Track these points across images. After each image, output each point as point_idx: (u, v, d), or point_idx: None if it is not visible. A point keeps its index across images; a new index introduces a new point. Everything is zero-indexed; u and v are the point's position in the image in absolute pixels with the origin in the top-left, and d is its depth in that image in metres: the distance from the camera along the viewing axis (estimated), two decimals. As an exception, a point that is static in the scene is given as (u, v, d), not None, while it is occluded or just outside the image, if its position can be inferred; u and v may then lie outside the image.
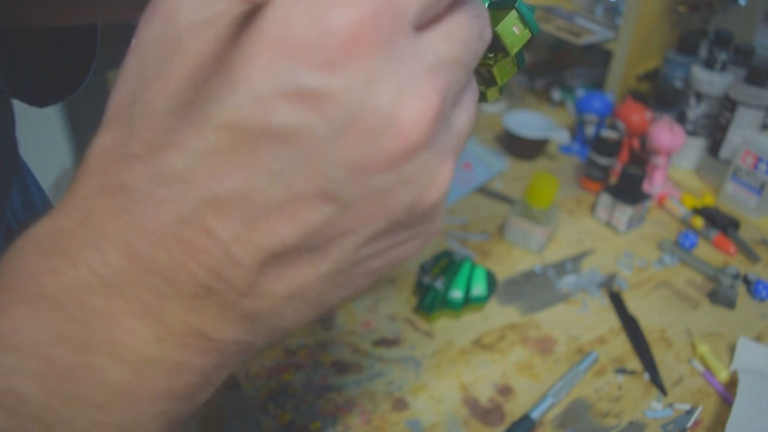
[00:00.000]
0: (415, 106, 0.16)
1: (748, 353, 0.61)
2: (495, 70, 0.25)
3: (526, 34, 0.24)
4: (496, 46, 0.24)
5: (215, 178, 0.16)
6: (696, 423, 0.55)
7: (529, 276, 0.72)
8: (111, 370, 0.17)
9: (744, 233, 0.80)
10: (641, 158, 0.90)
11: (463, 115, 0.19)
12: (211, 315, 0.18)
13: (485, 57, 0.25)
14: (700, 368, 0.61)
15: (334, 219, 0.17)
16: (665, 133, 0.83)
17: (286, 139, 0.16)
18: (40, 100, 0.41)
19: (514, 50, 0.24)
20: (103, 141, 0.17)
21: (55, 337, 0.17)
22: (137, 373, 0.17)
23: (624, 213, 0.78)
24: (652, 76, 1.00)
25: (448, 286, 0.63)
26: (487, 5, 0.24)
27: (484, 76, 0.26)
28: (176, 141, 0.16)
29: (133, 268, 0.17)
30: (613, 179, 0.88)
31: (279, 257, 0.17)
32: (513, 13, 0.23)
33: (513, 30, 0.24)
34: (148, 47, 0.17)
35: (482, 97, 0.27)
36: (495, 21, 0.23)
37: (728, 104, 0.83)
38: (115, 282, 0.17)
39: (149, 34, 0.17)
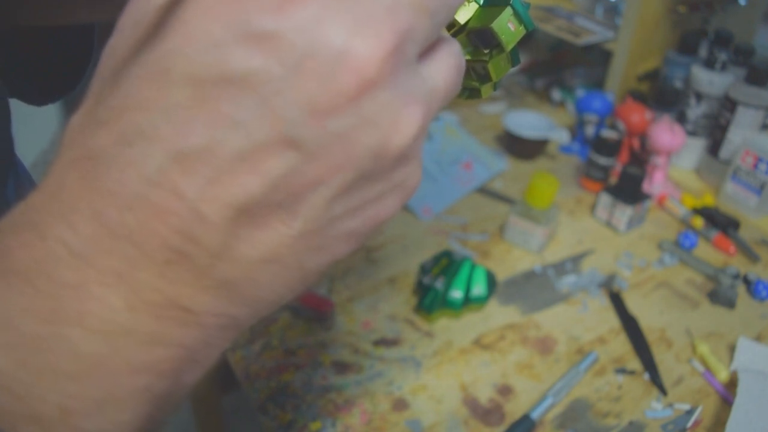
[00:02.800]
0: (367, 41, 0.16)
1: (748, 353, 0.61)
2: (490, 66, 0.25)
3: (521, 31, 0.24)
4: (491, 42, 0.24)
5: (179, 133, 0.16)
6: (696, 423, 0.55)
7: (529, 276, 0.72)
8: (82, 340, 0.17)
9: (744, 233, 0.80)
10: (641, 158, 0.90)
11: (438, 70, 0.19)
12: (185, 283, 0.17)
13: (480, 53, 0.25)
14: (700, 368, 0.61)
15: (298, 167, 0.17)
16: (665, 133, 0.83)
17: (244, 85, 0.16)
18: (38, 98, 0.41)
19: (509, 46, 0.24)
20: (76, 116, 0.18)
21: (24, 309, 0.17)
22: (110, 343, 0.17)
23: (624, 213, 0.78)
24: (652, 76, 1.00)
25: (448, 286, 0.63)
26: (482, 2, 0.24)
27: (479, 72, 0.26)
28: (139, 100, 0.16)
29: (102, 236, 0.17)
30: (613, 179, 0.88)
31: (248, 214, 0.17)
32: (508, 10, 0.23)
33: (508, 26, 0.24)
34: (120, 30, 0.17)
35: (477, 93, 0.27)
36: (490, 17, 0.24)
37: (728, 104, 0.83)
38: (85, 251, 0.17)
39: (124, 20, 0.17)
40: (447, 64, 0.19)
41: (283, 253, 0.18)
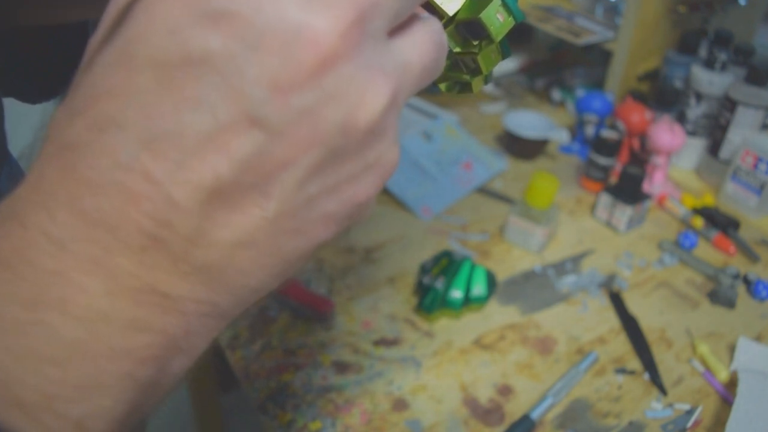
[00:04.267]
0: (326, 15, 0.16)
1: (748, 353, 0.61)
2: (480, 58, 0.25)
3: (510, 21, 0.24)
4: (481, 33, 0.24)
5: (146, 117, 0.16)
6: (696, 423, 0.55)
7: (529, 276, 0.72)
8: (62, 326, 0.17)
9: (744, 233, 0.80)
10: (641, 158, 0.90)
11: (412, 45, 0.19)
12: (163, 269, 0.17)
13: (470, 45, 0.25)
14: (700, 368, 0.61)
15: (266, 147, 0.16)
16: (665, 133, 0.83)
17: (205, 66, 0.16)
18: (33, 97, 0.41)
19: (498, 37, 0.24)
20: (58, 109, 0.18)
21: (5, 295, 0.17)
22: (90, 329, 0.17)
23: (624, 213, 0.78)
24: (652, 76, 1.00)
25: (448, 286, 0.63)
26: None
27: (469, 65, 0.26)
28: (108, 88, 0.16)
29: (79, 223, 0.17)
30: (613, 179, 0.88)
31: (219, 196, 0.17)
32: (497, 1, 0.23)
33: (497, 17, 0.24)
34: (101, 24, 0.18)
35: (467, 87, 0.27)
36: (479, 8, 0.24)
37: (728, 104, 0.83)
38: (64, 238, 0.17)
39: (104, 15, 0.18)
40: (422, 40, 0.19)
41: (260, 237, 0.18)
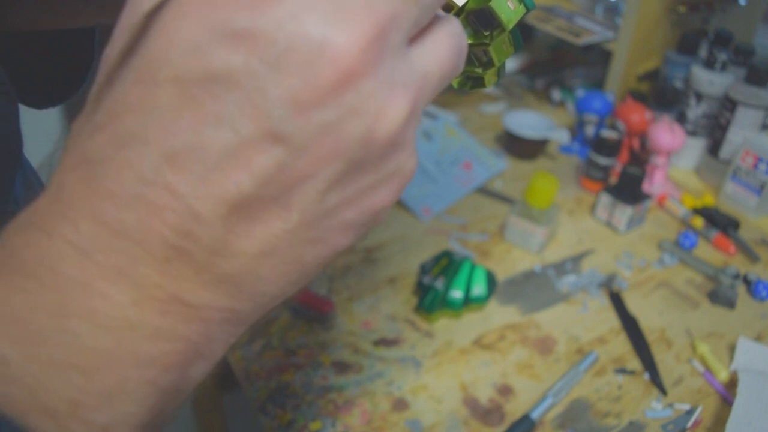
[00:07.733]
0: (346, 32, 0.16)
1: (748, 353, 0.61)
2: (491, 49, 0.25)
3: (521, 10, 0.24)
4: (492, 23, 0.24)
5: (169, 133, 0.16)
6: (696, 423, 0.55)
7: (529, 276, 0.72)
8: (88, 334, 0.17)
9: (744, 233, 0.80)
10: (641, 158, 0.90)
11: (431, 52, 0.19)
12: (186, 279, 0.18)
13: (481, 36, 0.25)
14: (700, 368, 0.61)
15: (287, 162, 0.17)
16: (665, 133, 0.83)
17: (227, 83, 0.16)
18: (39, 102, 0.41)
19: (509, 25, 0.24)
20: (77, 122, 0.18)
21: (31, 304, 0.17)
22: (116, 337, 0.17)
23: (624, 213, 0.78)
24: (652, 76, 1.00)
25: (448, 286, 0.63)
26: None
27: (480, 58, 0.26)
28: (130, 104, 0.17)
29: (103, 234, 0.17)
30: (613, 179, 0.88)
31: (241, 209, 0.17)
32: None
33: (507, 5, 0.23)
34: (115, 37, 0.18)
35: (480, 82, 0.27)
36: None
37: (728, 104, 0.83)
38: (88, 249, 0.17)
39: (117, 28, 0.18)
40: (441, 46, 0.19)
41: (281, 247, 0.18)
